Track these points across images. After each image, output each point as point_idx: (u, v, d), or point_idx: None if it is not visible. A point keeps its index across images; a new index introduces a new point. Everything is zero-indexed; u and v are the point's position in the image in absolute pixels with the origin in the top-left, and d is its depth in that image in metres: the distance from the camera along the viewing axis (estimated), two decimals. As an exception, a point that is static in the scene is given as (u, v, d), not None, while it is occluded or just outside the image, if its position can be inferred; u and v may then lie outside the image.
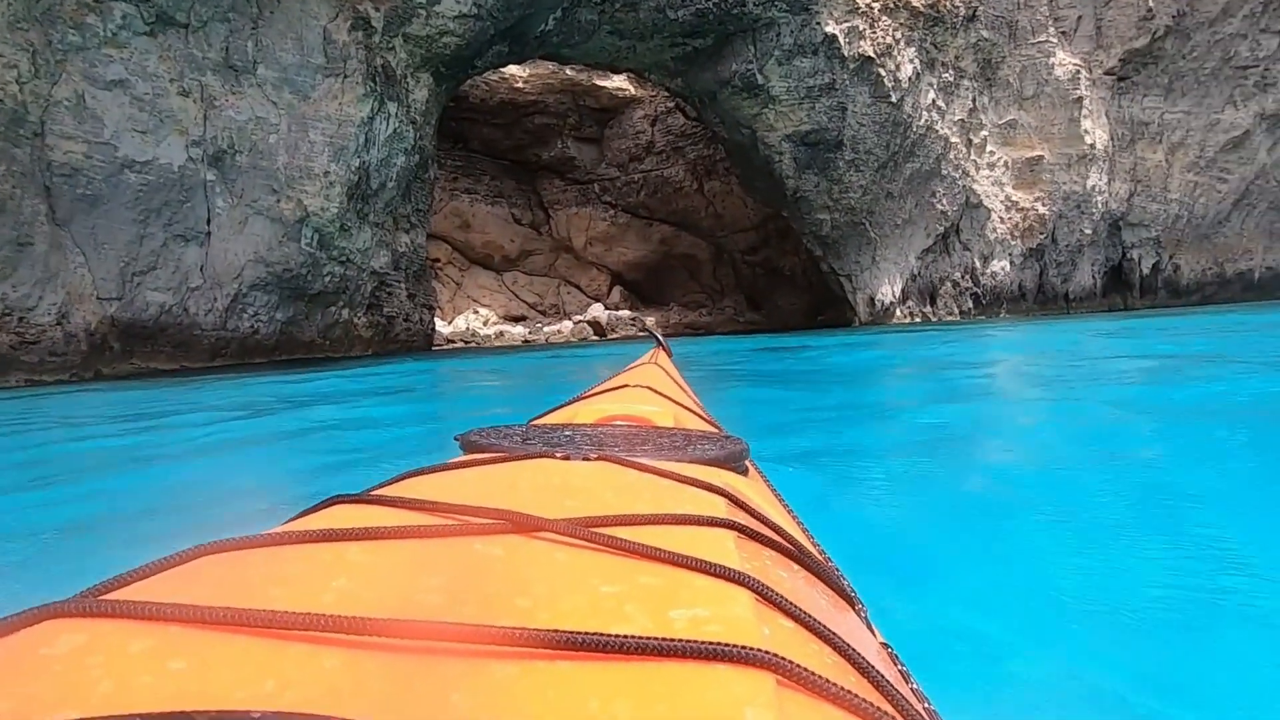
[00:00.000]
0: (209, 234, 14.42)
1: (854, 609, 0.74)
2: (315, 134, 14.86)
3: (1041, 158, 24.25)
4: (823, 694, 0.42)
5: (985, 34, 23.37)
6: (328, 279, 15.76)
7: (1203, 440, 4.13)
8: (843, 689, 0.42)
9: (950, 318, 24.03)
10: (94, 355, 13.61)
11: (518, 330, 28.22)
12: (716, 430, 1.46)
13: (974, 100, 23.68)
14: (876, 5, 20.55)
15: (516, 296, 31.11)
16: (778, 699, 0.39)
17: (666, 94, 28.37)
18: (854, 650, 0.52)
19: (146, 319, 13.98)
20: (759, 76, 20.16)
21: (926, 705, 0.63)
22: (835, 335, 18.43)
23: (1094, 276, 25.91)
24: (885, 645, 0.73)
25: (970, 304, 24.35)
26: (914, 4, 21.34)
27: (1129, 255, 26.60)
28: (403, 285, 17.78)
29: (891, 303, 23.16)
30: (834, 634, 0.52)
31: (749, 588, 0.52)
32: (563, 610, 0.47)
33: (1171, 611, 1.96)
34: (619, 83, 28.92)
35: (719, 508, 0.72)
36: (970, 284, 24.42)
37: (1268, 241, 26.82)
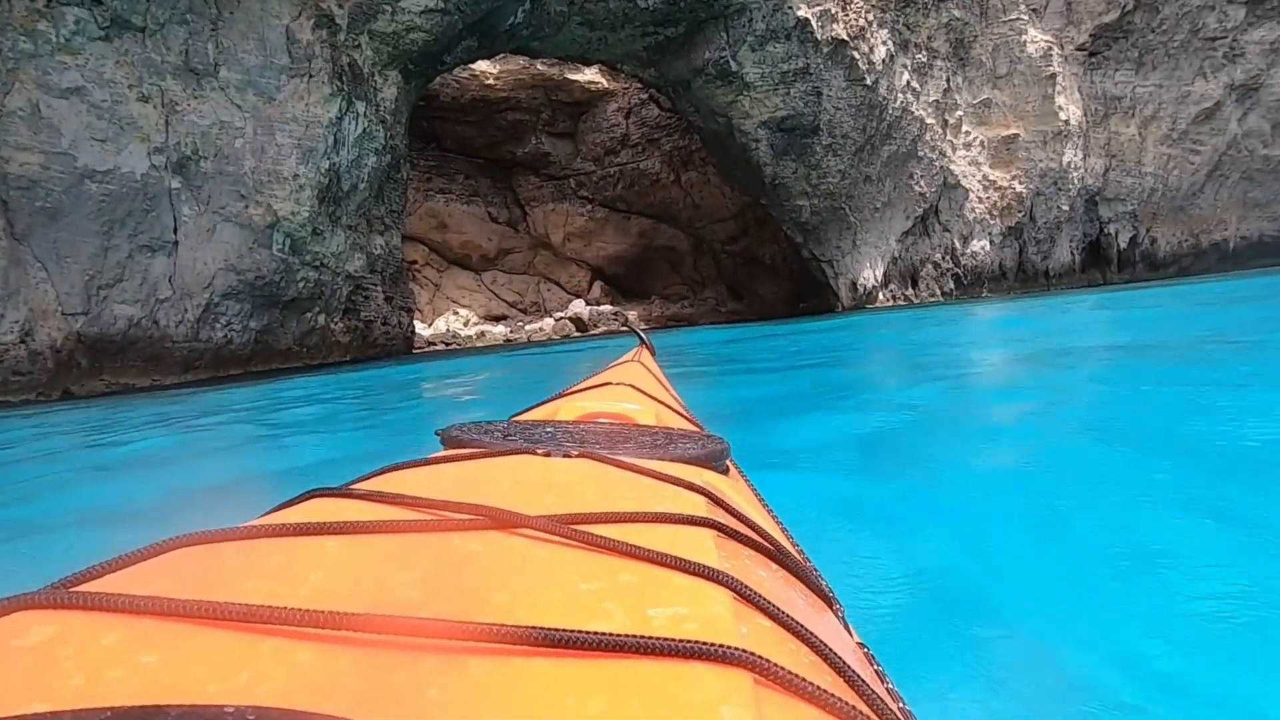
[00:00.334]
0: (176, 243, 14.01)
1: (832, 609, 0.74)
2: (282, 136, 14.47)
3: (1017, 136, 24.29)
4: (799, 693, 0.42)
5: (957, 13, 23.33)
6: (301, 285, 15.39)
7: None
8: (819, 688, 0.43)
9: (932, 299, 24.04)
10: (61, 373, 13.19)
11: (499, 330, 27.94)
12: (698, 429, 1.45)
13: (948, 80, 23.65)
14: (848, -13, 20.43)
15: (496, 296, 30.81)
16: (755, 697, 0.39)
17: (640, 85, 28.12)
18: (831, 650, 0.51)
19: (115, 333, 13.57)
20: (732, 63, 19.96)
21: (901, 705, 0.62)
22: (821, 322, 18.33)
23: (1073, 253, 26.04)
24: (862, 645, 0.74)
25: (952, 285, 24.37)
26: (885, -15, 21.25)
27: (1106, 230, 26.75)
28: (379, 288, 17.43)
29: (873, 287, 23.12)
30: (811, 633, 0.52)
31: (728, 587, 0.52)
32: (541, 607, 0.46)
33: (1154, 596, 1.98)
34: (591, 76, 28.64)
35: (699, 506, 0.72)
36: (951, 265, 24.44)
37: (1241, 211, 27.09)
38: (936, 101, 23.38)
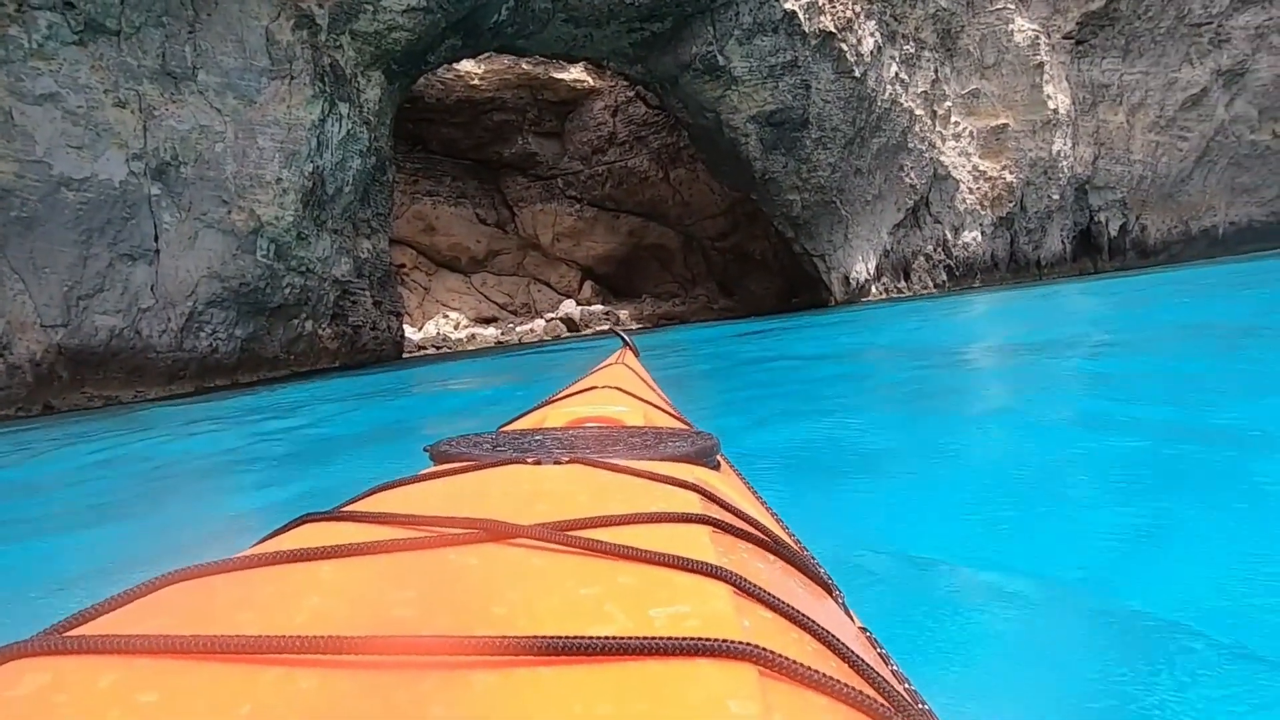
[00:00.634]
0: (158, 251, 13.70)
1: (832, 596, 0.74)
2: (264, 140, 14.17)
3: (1006, 125, 24.21)
4: (805, 682, 0.42)
5: (943, 3, 23.22)
6: (288, 291, 15.10)
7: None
8: (825, 675, 0.43)
9: (925, 291, 23.93)
10: (41, 387, 12.86)
11: (490, 332, 27.70)
12: (687, 427, 1.45)
13: (936, 71, 23.54)
14: (834, -21, 20.27)
15: (486, 298, 30.57)
16: (761, 689, 0.39)
17: (626, 83, 27.92)
18: (834, 637, 0.52)
19: (96, 345, 13.25)
20: (720, 58, 19.77)
21: (907, 686, 0.63)
22: (817, 316, 18.18)
23: (1064, 242, 26.00)
24: (864, 630, 0.74)
25: (944, 276, 24.28)
26: (871, -24, 21.11)
27: (1096, 219, 26.73)
28: (367, 293, 17.15)
29: (866, 280, 22.99)
30: (813, 622, 0.52)
31: (727, 581, 0.52)
32: (541, 615, 0.46)
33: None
34: (577, 74, 28.42)
35: (693, 504, 0.72)
36: (943, 256, 24.35)
37: (1229, 197, 27.12)
38: (925, 92, 23.27)
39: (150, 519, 3.87)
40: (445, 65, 25.62)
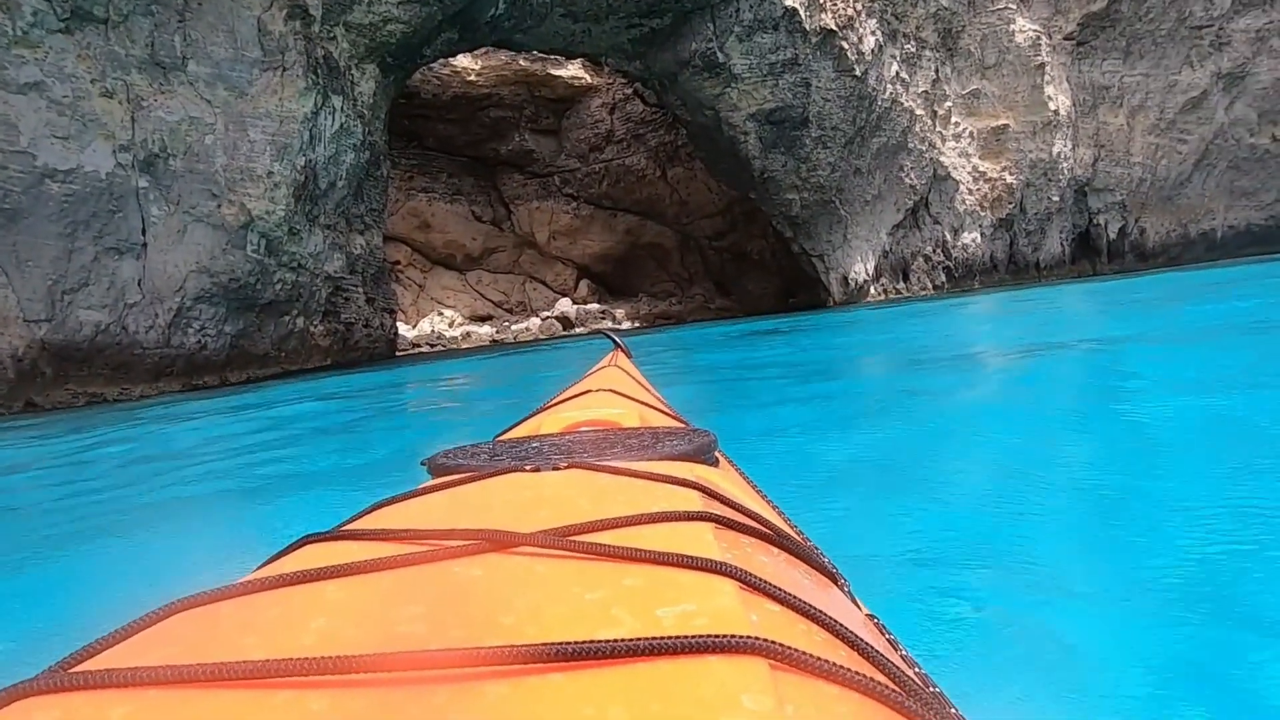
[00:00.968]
0: (145, 245, 13.40)
1: (837, 585, 0.74)
2: (255, 132, 13.88)
3: (1006, 126, 24.05)
4: (816, 672, 0.43)
5: (945, 3, 23.04)
6: (279, 287, 14.81)
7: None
8: (835, 664, 0.43)
9: (924, 293, 23.76)
10: (24, 383, 12.56)
11: (485, 330, 27.45)
12: (683, 425, 1.44)
13: (936, 71, 23.37)
14: (836, -24, 20.06)
15: (482, 296, 30.31)
16: (773, 682, 0.40)
17: (624, 80, 27.68)
18: (842, 626, 0.52)
19: (81, 340, 12.95)
20: (720, 55, 19.55)
21: (918, 670, 0.63)
22: (821, 317, 17.97)
23: (1063, 244, 25.86)
24: (871, 616, 0.74)
25: (943, 278, 24.11)
26: (873, -26, 20.91)
27: (1095, 221, 26.60)
28: (360, 289, 16.86)
29: (865, 281, 22.80)
30: (821, 612, 0.53)
31: (732, 577, 0.52)
32: (549, 622, 0.47)
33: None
34: (574, 71, 28.17)
35: (694, 501, 0.72)
36: (942, 257, 24.17)
37: (1228, 200, 27.02)
38: (925, 92, 23.09)
39: (139, 543, 3.59)
40: (442, 60, 25.36)
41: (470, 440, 1.25)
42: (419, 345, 25.63)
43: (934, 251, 24.07)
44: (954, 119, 23.84)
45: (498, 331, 27.37)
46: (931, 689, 0.58)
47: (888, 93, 21.71)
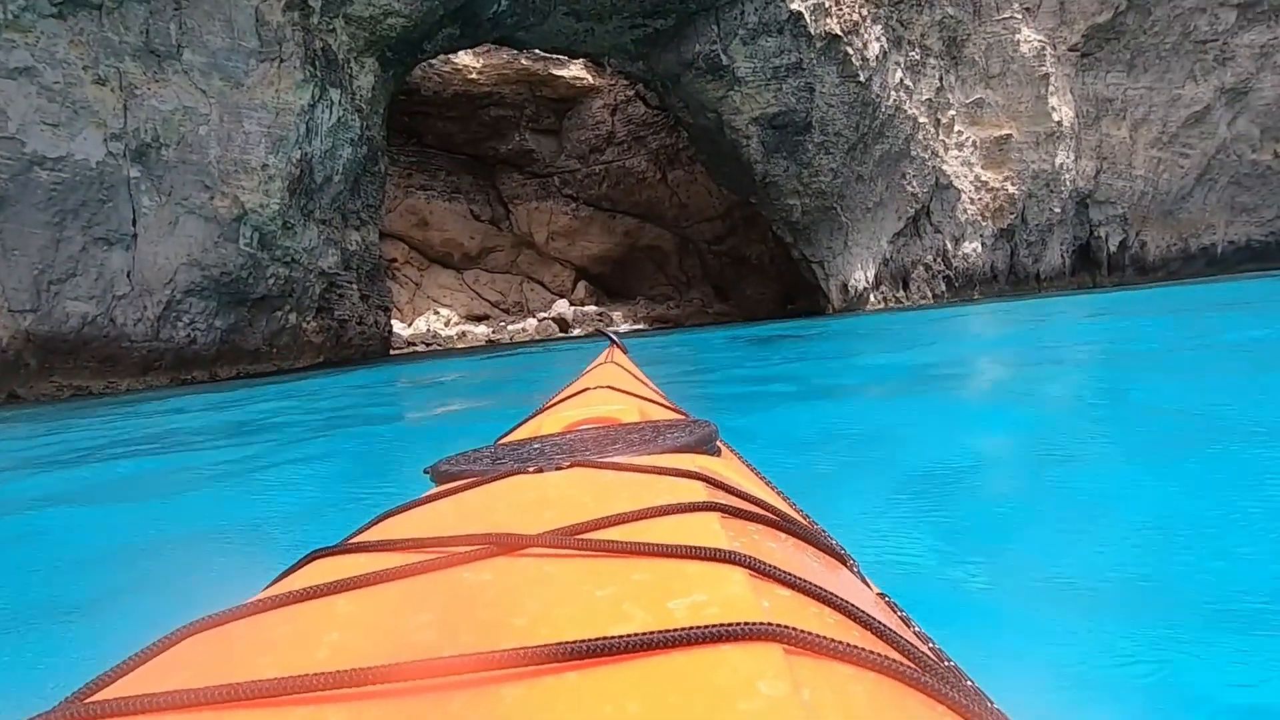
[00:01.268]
0: (135, 236, 13.15)
1: (846, 566, 0.75)
2: (250, 124, 13.64)
3: (1010, 136, 23.93)
4: (830, 653, 0.43)
5: (950, 11, 22.92)
6: (271, 281, 14.56)
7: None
8: (849, 645, 0.44)
9: (924, 301, 23.61)
10: (8, 374, 12.29)
11: (481, 330, 27.22)
12: (683, 417, 1.43)
13: (941, 79, 23.24)
14: (842, -19, 19.92)
15: (478, 295, 30.08)
16: (788, 666, 0.40)
17: (626, 82, 27.52)
18: (853, 606, 0.52)
19: (67, 331, 12.69)
20: (723, 57, 19.39)
21: (931, 645, 0.63)
22: (827, 324, 17.78)
23: (1063, 255, 25.75)
24: (882, 595, 0.75)
25: (943, 287, 23.96)
26: (879, -21, 20.78)
27: (1096, 233, 26.50)
28: (355, 286, 16.61)
29: (865, 288, 22.63)
30: (831, 594, 0.53)
31: (741, 565, 0.52)
32: (561, 622, 0.47)
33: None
34: (576, 71, 28.00)
35: (698, 492, 0.72)
36: (942, 266, 24.02)
37: (1229, 216, 26.96)
38: (929, 100, 22.95)
39: (140, 566, 3.27)
40: (443, 57, 25.17)
41: (472, 445, 1.24)
42: (414, 344, 25.38)
43: (935, 260, 23.92)
44: (957, 128, 23.72)
45: (494, 332, 27.14)
46: (947, 663, 0.57)
47: (891, 100, 21.57)
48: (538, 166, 29.94)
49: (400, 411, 8.64)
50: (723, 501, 0.69)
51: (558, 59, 26.71)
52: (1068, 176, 24.67)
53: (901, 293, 23.57)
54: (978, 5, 23.47)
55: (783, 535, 0.69)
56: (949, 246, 23.94)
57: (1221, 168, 26.51)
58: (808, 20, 19.24)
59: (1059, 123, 24.02)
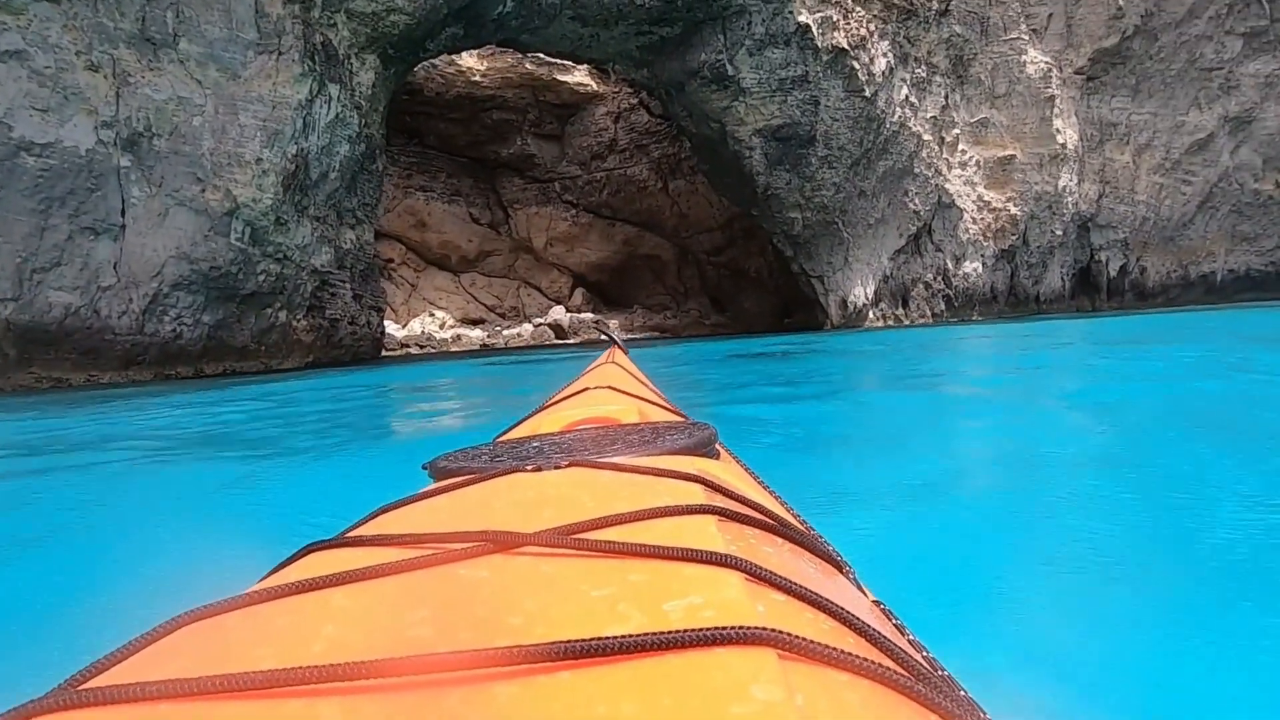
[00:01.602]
0: (123, 227, 12.86)
1: (842, 572, 0.75)
2: (246, 117, 13.39)
3: (1013, 157, 23.82)
4: (825, 660, 0.43)
5: (958, 29, 22.84)
6: (262, 278, 14.27)
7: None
8: (844, 652, 0.44)
9: (923, 320, 23.43)
10: (-15, 363, 11.97)
11: (476, 334, 26.95)
12: (683, 419, 1.41)
13: (946, 97, 23.14)
14: (850, -5, 19.81)
15: (474, 298, 29.84)
16: (782, 671, 0.40)
17: (630, 90, 27.40)
18: (848, 613, 0.53)
19: (49, 322, 12.37)
20: (729, 67, 19.23)
21: (926, 654, 0.63)
22: (838, 340, 17.55)
23: (1063, 279, 25.63)
24: (878, 603, 0.75)
25: (942, 306, 23.79)
26: (888, -5, 20.67)
27: (1097, 257, 26.39)
28: (348, 285, 16.32)
29: (864, 305, 22.44)
30: (827, 600, 0.53)
31: (738, 568, 0.52)
32: (556, 621, 0.47)
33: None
34: (580, 78, 27.87)
35: (696, 495, 0.72)
36: (942, 285, 23.85)
37: (1229, 244, 26.88)
38: (934, 118, 22.84)
39: (132, 553, 3.22)
40: (447, 58, 25.00)
41: (470, 442, 1.23)
42: (408, 345, 25.09)
43: (935, 279, 23.75)
44: (961, 146, 23.60)
45: (489, 336, 26.88)
46: (941, 672, 0.57)
47: (896, 116, 21.44)
48: (539, 171, 29.78)
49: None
50: (720, 505, 0.68)
51: (562, 64, 26.57)
52: (1070, 199, 24.57)
53: (901, 310, 23.38)
54: (985, 25, 23.40)
55: (780, 540, 0.68)
56: (950, 265, 23.78)
57: (1223, 196, 26.44)
58: (815, 33, 19.11)
59: (1063, 145, 23.93)
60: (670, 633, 0.41)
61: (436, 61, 25.07)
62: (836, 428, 5.55)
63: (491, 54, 26.29)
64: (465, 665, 0.40)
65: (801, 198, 21.13)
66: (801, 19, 18.89)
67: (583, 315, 28.10)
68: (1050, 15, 24.21)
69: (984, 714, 0.51)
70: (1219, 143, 25.98)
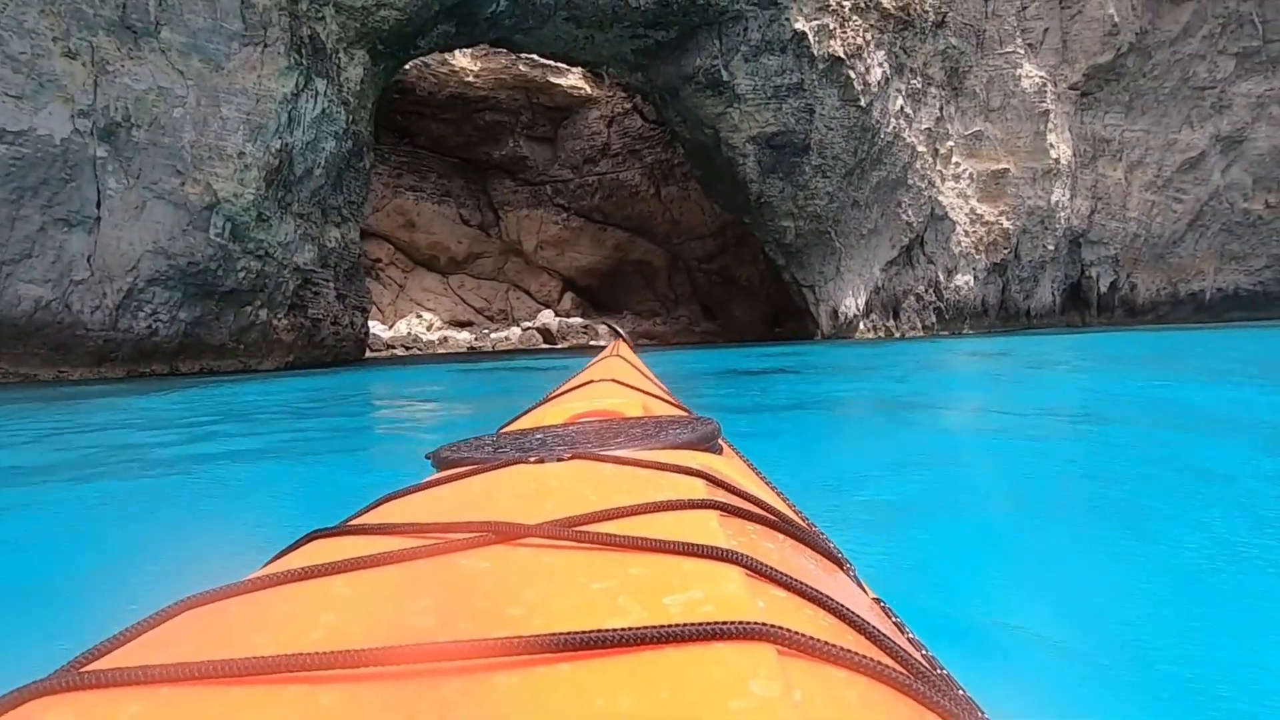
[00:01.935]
0: (98, 219, 12.49)
1: (843, 569, 0.75)
2: (228, 109, 13.05)
3: (1007, 171, 23.77)
4: (824, 656, 0.43)
5: (954, 41, 22.79)
6: (242, 275, 13.91)
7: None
8: (842, 649, 0.44)
9: (914, 332, 23.29)
10: (-51, 357, 11.56)
11: (463, 336, 26.63)
12: (686, 414, 1.41)
13: (941, 109, 23.06)
14: (847, 3, 19.68)
15: (463, 300, 29.52)
16: (781, 667, 0.40)
17: (624, 94, 27.22)
18: (848, 610, 0.53)
19: (17, 315, 11.98)
20: (724, 73, 19.06)
21: (925, 652, 0.63)
22: (833, 351, 17.34)
23: (1054, 293, 25.60)
24: (877, 600, 0.75)
25: (933, 318, 23.67)
26: (885, 5, 20.56)
27: (1088, 273, 26.39)
28: (331, 284, 15.98)
29: (855, 316, 22.27)
30: (827, 597, 0.53)
31: (738, 564, 0.53)
32: (556, 613, 0.47)
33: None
34: (574, 80, 27.66)
35: (698, 489, 0.72)
36: (933, 298, 23.74)
37: (1219, 263, 26.96)
38: (929, 130, 22.75)
39: (138, 540, 3.16)
40: (439, 58, 24.73)
41: (474, 433, 1.21)
42: (393, 346, 24.74)
43: (926, 291, 23.63)
44: (955, 159, 23.53)
45: (476, 339, 26.57)
46: (939, 671, 0.58)
47: (891, 126, 21.33)
48: (530, 174, 29.53)
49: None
50: (722, 500, 0.68)
51: (556, 66, 26.35)
52: (1062, 214, 24.55)
53: (891, 322, 23.24)
54: (981, 38, 23.37)
55: (781, 536, 0.68)
56: (941, 278, 23.67)
57: (1213, 214, 26.53)
58: (811, 41, 18.98)
59: (1056, 160, 23.92)
60: (669, 626, 0.41)
61: (429, 61, 24.79)
62: (847, 440, 5.41)
63: (485, 55, 26.03)
64: (464, 655, 0.40)
65: (794, 206, 20.96)
66: (798, 26, 18.75)
67: (572, 320, 27.83)
68: (1046, 30, 24.22)
69: (982, 713, 0.50)
70: (1210, 161, 26.07)
